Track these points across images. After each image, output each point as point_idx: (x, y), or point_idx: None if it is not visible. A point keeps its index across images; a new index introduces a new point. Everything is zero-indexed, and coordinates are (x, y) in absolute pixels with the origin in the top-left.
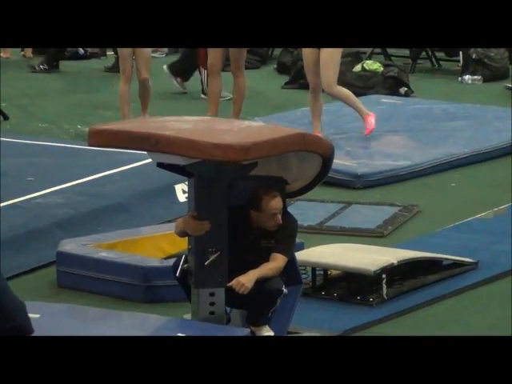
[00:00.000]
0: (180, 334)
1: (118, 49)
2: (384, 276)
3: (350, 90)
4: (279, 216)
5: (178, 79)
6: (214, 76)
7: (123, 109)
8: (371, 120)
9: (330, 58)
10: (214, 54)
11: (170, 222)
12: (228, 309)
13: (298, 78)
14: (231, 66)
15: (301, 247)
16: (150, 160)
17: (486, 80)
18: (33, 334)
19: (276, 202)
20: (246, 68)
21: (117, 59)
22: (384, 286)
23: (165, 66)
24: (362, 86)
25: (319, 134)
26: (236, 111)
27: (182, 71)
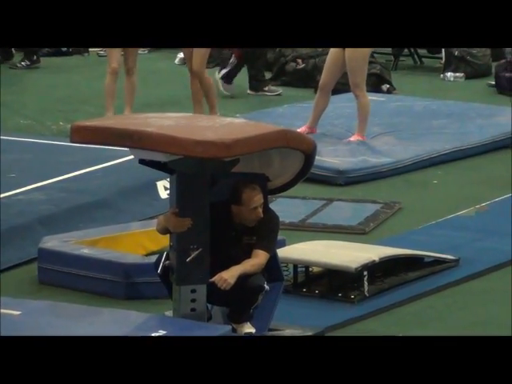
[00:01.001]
0: (161, 331)
1: None
2: (365, 273)
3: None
4: (260, 210)
5: (225, 85)
6: (196, 77)
7: (108, 103)
8: (361, 139)
9: (356, 60)
10: (191, 56)
11: (151, 218)
12: (209, 306)
13: (280, 75)
14: (193, 67)
15: (282, 244)
16: (131, 156)
17: (468, 77)
18: (14, 332)
19: (256, 195)
20: None
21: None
22: (365, 283)
23: (218, 77)
24: (344, 82)
25: (313, 131)
26: (212, 108)
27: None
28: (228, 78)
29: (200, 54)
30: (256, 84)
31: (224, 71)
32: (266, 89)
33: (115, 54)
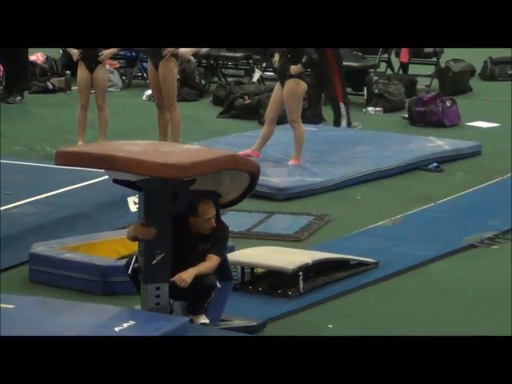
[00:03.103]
0: (131, 322)
1: (77, 81)
2: (301, 273)
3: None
4: (213, 220)
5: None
6: (163, 112)
7: (79, 131)
8: (297, 162)
9: (292, 98)
10: (157, 91)
11: (123, 228)
12: (171, 300)
13: (230, 109)
14: (164, 102)
15: (232, 249)
16: (106, 177)
17: (386, 111)
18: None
19: (210, 208)
20: (187, 101)
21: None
22: (301, 282)
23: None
24: (283, 115)
25: (255, 155)
26: (175, 139)
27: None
28: None
29: (169, 90)
30: None
31: None
32: None
33: (85, 93)
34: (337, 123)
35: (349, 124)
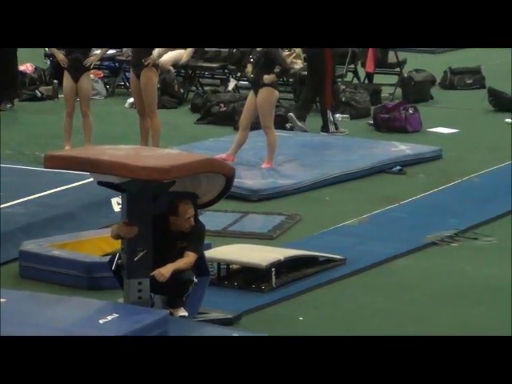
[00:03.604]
0: (114, 315)
1: (63, 89)
2: (273, 269)
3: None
4: (192, 219)
5: (302, 122)
6: (144, 118)
7: (66, 136)
8: (270, 166)
9: (265, 106)
10: (139, 99)
11: (107, 227)
12: (152, 295)
13: (207, 116)
14: (145, 110)
15: (208, 247)
16: (92, 179)
17: (352, 118)
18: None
19: (189, 208)
20: (167, 108)
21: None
22: (273, 277)
23: (291, 114)
24: (257, 121)
25: (230, 159)
26: (155, 144)
27: (303, 115)
28: None
29: (150, 98)
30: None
31: None
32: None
33: (70, 101)
34: (325, 129)
35: (336, 128)
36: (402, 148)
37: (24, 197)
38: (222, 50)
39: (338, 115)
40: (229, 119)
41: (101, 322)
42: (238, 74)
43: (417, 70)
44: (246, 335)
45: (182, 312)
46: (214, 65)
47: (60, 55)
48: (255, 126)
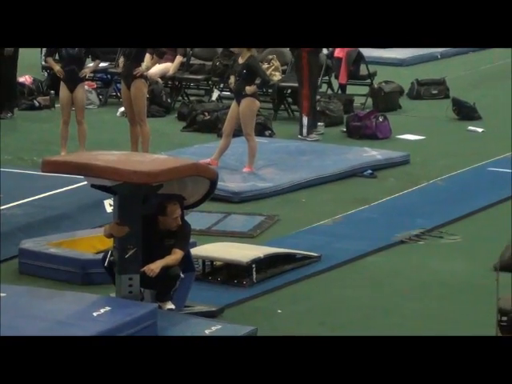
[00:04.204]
0: (107, 308)
1: (59, 99)
2: (254, 266)
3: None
4: (179, 219)
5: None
6: (134, 126)
7: (62, 143)
8: (251, 170)
9: (246, 114)
10: (129, 109)
11: (100, 227)
12: (142, 289)
13: (192, 124)
14: (135, 118)
15: (194, 245)
16: (86, 182)
17: (327, 125)
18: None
19: (176, 209)
20: (155, 117)
21: None
22: (254, 273)
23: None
24: (239, 129)
25: (214, 163)
26: (145, 150)
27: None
28: None
29: (139, 107)
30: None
31: None
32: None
33: (66, 110)
34: (300, 133)
35: (308, 133)
36: (372, 153)
37: (23, 199)
38: (207, 63)
39: (319, 123)
40: (212, 127)
41: (94, 314)
42: (221, 85)
43: (386, 82)
44: (230, 335)
45: (170, 305)
46: (199, 77)
47: (57, 67)
48: (237, 133)
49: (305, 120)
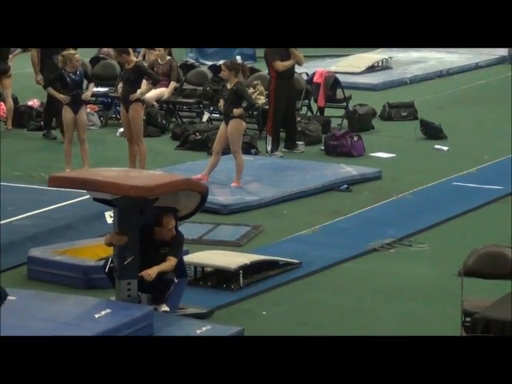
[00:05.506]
0: (108, 310)
1: (63, 120)
2: (241, 271)
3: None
4: (173, 229)
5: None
6: (132, 145)
7: (66, 160)
8: (238, 185)
9: (234, 134)
10: (128, 129)
11: (101, 236)
12: (139, 293)
13: (185, 143)
14: (133, 138)
15: (186, 253)
16: (88, 196)
17: (307, 144)
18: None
19: (171, 220)
20: (151, 136)
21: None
22: (241, 278)
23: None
24: (227, 148)
25: (205, 179)
26: (142, 166)
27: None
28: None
29: (137, 128)
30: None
31: None
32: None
33: (70, 130)
34: (266, 151)
35: (271, 152)
36: (348, 170)
37: (31, 211)
38: (198, 88)
39: (299, 143)
40: (203, 146)
41: (96, 316)
42: (211, 108)
43: (360, 105)
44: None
45: (165, 307)
46: (191, 100)
47: (61, 95)
48: (226, 151)
49: (269, 139)
